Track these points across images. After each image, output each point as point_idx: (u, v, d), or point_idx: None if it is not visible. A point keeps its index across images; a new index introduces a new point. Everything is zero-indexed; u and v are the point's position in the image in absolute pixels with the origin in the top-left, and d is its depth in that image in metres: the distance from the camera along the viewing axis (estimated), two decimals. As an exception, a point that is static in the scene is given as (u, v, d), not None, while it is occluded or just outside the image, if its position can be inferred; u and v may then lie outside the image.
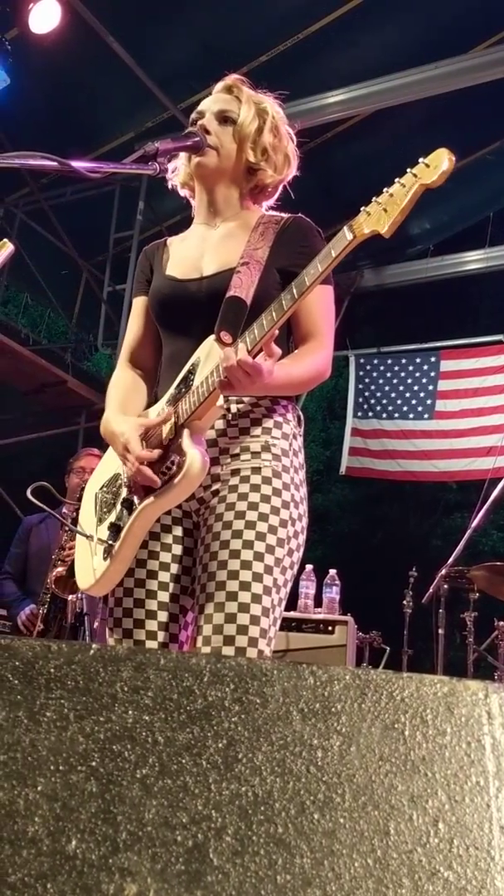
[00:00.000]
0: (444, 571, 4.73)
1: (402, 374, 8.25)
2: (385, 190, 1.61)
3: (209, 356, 1.82)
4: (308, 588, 4.55)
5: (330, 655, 4.20)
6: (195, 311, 1.94)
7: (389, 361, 8.38)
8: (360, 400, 8.36)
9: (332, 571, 4.62)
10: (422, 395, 8.10)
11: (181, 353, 1.93)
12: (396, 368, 8.30)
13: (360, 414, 8.34)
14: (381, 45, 6.38)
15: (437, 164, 1.54)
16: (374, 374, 8.37)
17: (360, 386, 8.40)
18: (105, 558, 1.89)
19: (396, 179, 1.59)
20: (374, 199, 1.62)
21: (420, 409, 8.07)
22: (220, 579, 1.77)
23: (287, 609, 4.29)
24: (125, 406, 2.01)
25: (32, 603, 4.25)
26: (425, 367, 8.17)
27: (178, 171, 2.15)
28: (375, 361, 8.45)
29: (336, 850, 0.80)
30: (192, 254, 2.05)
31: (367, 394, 8.34)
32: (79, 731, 0.82)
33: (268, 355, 1.72)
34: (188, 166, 2.11)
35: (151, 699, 0.85)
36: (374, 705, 0.87)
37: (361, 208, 1.63)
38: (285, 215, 2.07)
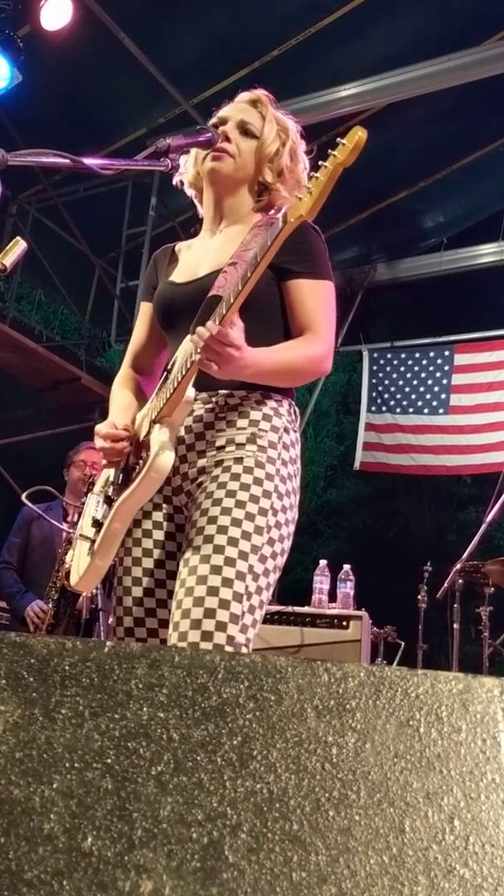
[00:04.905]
0: (458, 566, 4.72)
1: (416, 369, 8.22)
2: (313, 174, 1.63)
3: (183, 354, 1.83)
4: (322, 583, 4.54)
5: (344, 651, 4.19)
6: (187, 311, 1.95)
7: (403, 356, 8.36)
8: (374, 394, 8.34)
9: (347, 566, 4.61)
10: (436, 389, 8.07)
11: (173, 354, 1.96)
12: (410, 363, 8.27)
13: (373, 408, 8.32)
14: (393, 39, 6.36)
15: (352, 141, 1.58)
16: (388, 369, 8.34)
17: (374, 380, 8.37)
18: (88, 554, 1.92)
19: (321, 162, 1.62)
20: (305, 184, 1.65)
21: (435, 403, 8.04)
22: (192, 564, 1.75)
23: (301, 604, 4.35)
24: (126, 417, 2.03)
25: (35, 595, 4.20)
26: (439, 361, 8.14)
27: (186, 169, 2.13)
28: (389, 356, 8.42)
29: (351, 848, 0.80)
30: (194, 260, 2.07)
31: (380, 388, 8.31)
32: (94, 729, 0.82)
33: (230, 325, 1.70)
34: (198, 166, 2.09)
35: (166, 696, 0.85)
36: (389, 702, 0.87)
37: (296, 194, 1.65)
38: (280, 215, 2.07)
